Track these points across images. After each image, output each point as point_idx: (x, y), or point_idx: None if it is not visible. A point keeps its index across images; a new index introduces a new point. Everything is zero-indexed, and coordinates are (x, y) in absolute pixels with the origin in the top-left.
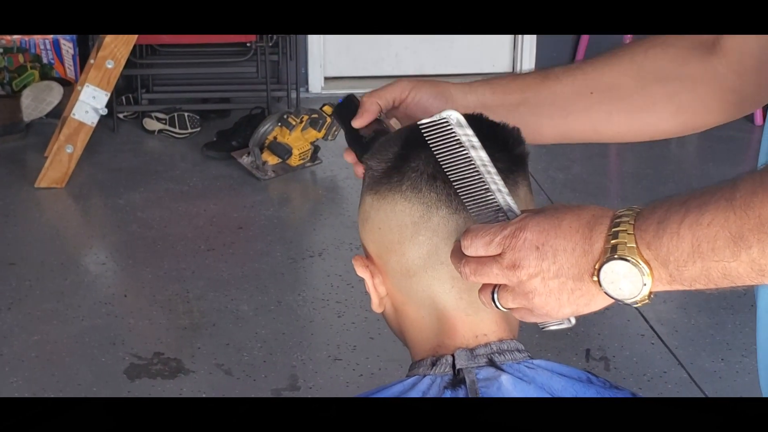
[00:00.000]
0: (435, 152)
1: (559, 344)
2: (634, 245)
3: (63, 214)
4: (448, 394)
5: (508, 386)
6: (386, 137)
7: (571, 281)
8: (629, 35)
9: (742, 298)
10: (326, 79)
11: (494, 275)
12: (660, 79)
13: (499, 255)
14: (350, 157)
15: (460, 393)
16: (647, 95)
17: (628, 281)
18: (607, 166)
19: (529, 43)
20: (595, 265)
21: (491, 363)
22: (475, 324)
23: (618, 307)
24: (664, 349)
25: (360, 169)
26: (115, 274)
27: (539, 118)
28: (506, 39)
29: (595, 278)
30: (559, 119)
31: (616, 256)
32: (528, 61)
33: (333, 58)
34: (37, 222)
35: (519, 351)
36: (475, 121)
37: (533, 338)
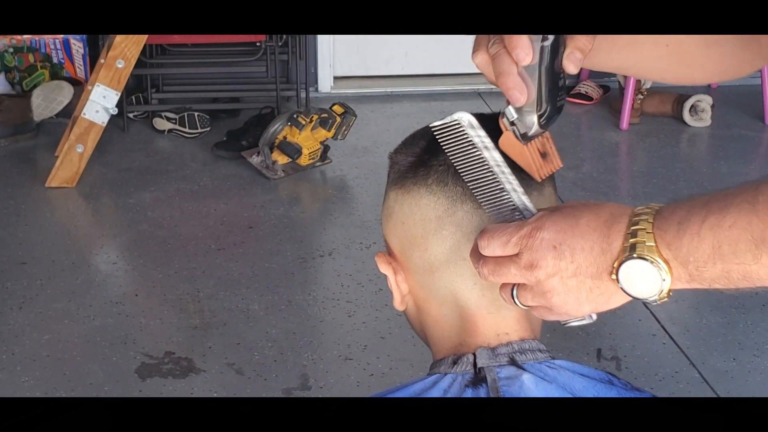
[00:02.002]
0: (448, 154)
1: (570, 344)
2: (654, 244)
3: (74, 213)
4: (469, 392)
5: (530, 385)
6: (412, 134)
7: (590, 280)
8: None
9: (754, 298)
10: (336, 78)
11: (512, 275)
12: (720, 42)
13: (517, 255)
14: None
15: (482, 391)
16: (709, 56)
17: (647, 280)
18: (617, 165)
19: None
20: (613, 264)
21: (513, 362)
22: (497, 323)
23: (629, 306)
24: (676, 349)
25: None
26: (126, 274)
27: (609, 53)
28: None
29: (614, 277)
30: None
31: (635, 255)
32: None
33: (342, 57)
34: (48, 221)
35: (540, 351)
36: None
37: (544, 338)
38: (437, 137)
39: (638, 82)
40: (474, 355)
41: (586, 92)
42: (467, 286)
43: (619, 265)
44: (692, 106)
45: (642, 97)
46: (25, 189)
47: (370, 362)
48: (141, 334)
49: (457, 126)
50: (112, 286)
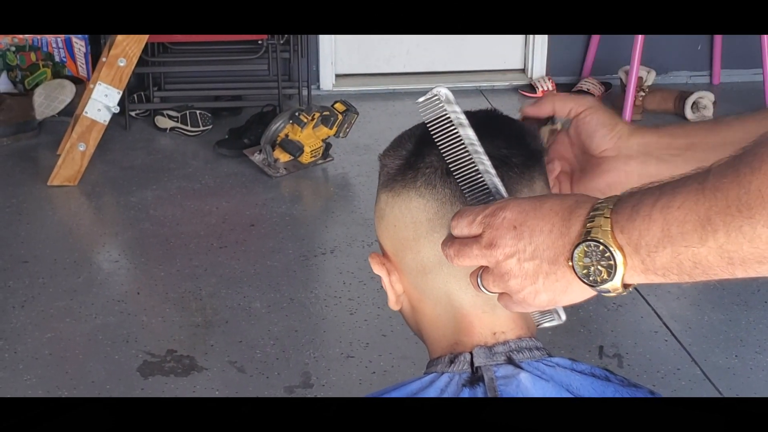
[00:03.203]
0: (431, 132)
1: (572, 341)
2: (609, 229)
3: (76, 212)
4: (466, 391)
5: (527, 384)
6: (400, 135)
7: (546, 264)
8: (640, 35)
9: (756, 295)
10: (337, 76)
11: (474, 256)
12: None
13: (480, 235)
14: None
15: (479, 391)
16: None
17: (599, 266)
18: None
19: (540, 42)
20: (570, 249)
21: (510, 361)
22: (493, 322)
23: (631, 303)
24: (678, 346)
25: None
26: (128, 272)
27: (705, 164)
28: (518, 38)
29: (570, 263)
30: None
31: (589, 239)
32: (540, 59)
33: (344, 55)
34: (50, 220)
35: (537, 349)
36: (489, 117)
37: (546, 335)
38: (420, 112)
39: (640, 78)
40: (471, 354)
41: (588, 89)
42: (461, 287)
43: (574, 248)
44: (694, 102)
45: (644, 94)
46: (27, 187)
47: (372, 360)
48: (143, 333)
49: (436, 101)
50: (113, 284)
